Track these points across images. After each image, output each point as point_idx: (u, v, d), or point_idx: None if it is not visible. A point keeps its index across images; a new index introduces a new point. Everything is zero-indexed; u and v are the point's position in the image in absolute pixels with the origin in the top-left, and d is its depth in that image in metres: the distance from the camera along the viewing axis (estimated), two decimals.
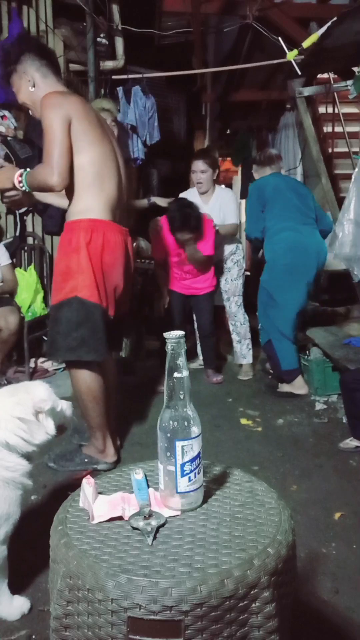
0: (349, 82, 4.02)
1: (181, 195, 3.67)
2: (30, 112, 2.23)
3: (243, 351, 3.76)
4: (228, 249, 3.69)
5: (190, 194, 3.63)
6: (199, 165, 3.51)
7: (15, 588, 1.51)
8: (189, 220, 3.20)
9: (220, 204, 3.60)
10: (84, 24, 4.16)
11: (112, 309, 2.16)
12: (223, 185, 3.97)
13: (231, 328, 3.78)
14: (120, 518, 0.95)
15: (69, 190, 2.09)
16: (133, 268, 2.34)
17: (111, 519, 0.95)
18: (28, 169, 2.10)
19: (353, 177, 3.39)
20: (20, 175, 2.07)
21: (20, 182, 2.08)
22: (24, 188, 2.09)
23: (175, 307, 3.56)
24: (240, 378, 3.70)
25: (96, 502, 0.98)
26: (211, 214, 3.45)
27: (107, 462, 2.26)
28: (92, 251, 2.05)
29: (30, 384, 1.43)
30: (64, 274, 2.09)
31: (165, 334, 0.96)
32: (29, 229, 4.06)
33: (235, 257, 3.73)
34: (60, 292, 2.10)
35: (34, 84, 2.10)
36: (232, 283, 3.72)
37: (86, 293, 2.05)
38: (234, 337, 3.77)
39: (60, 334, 2.08)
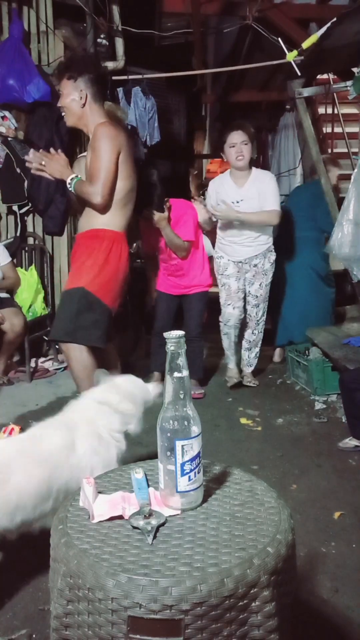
0: (349, 83, 4.02)
1: (213, 181, 3.46)
2: (63, 115, 2.59)
3: (251, 360, 3.53)
4: (265, 245, 3.25)
5: (222, 180, 3.29)
6: (239, 135, 3.10)
7: (16, 587, 1.52)
8: (150, 196, 3.03)
9: (258, 188, 3.17)
10: (84, 24, 4.16)
11: (115, 308, 2.53)
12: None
13: (246, 334, 3.47)
14: (120, 517, 0.95)
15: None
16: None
17: (111, 518, 0.95)
18: (79, 176, 2.46)
19: (352, 177, 3.39)
20: (71, 179, 2.44)
21: (69, 183, 2.45)
22: (70, 189, 2.47)
23: (163, 309, 3.38)
24: (246, 384, 3.48)
25: (96, 502, 0.98)
26: (247, 200, 3.13)
27: None
28: (111, 258, 2.44)
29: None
30: (80, 268, 2.44)
31: (165, 334, 0.96)
32: (30, 229, 4.07)
33: (272, 257, 3.30)
34: (73, 281, 2.45)
35: (84, 100, 2.44)
36: (265, 289, 3.33)
37: (94, 288, 2.39)
38: (244, 344, 3.50)
39: (63, 317, 2.43)
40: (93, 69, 2.52)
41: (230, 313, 3.29)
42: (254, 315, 3.40)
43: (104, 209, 2.43)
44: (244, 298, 3.35)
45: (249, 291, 3.35)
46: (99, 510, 0.96)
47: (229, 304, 3.31)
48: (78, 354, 2.39)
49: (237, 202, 3.15)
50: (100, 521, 0.95)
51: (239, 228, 3.20)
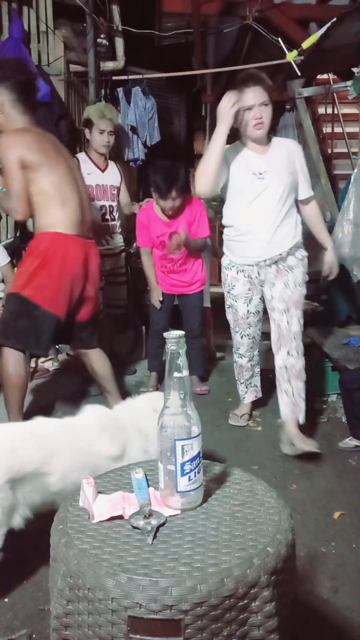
0: (349, 83, 4.03)
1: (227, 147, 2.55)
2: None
3: (296, 401, 2.38)
4: (294, 239, 2.46)
5: (238, 149, 2.45)
6: (257, 94, 2.29)
7: (16, 587, 1.52)
8: (175, 180, 2.99)
9: (288, 156, 2.43)
10: (84, 24, 4.16)
11: (62, 312, 2.39)
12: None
13: (278, 359, 2.43)
14: (120, 517, 0.95)
15: (36, 209, 2.37)
16: (98, 276, 2.61)
17: (111, 518, 0.95)
18: (3, 189, 2.36)
19: (352, 177, 3.40)
20: None
21: None
22: None
23: (162, 311, 3.34)
24: (295, 449, 2.36)
25: (96, 502, 0.98)
26: (273, 171, 2.37)
27: None
28: (49, 260, 2.34)
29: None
30: (20, 273, 2.42)
31: (165, 334, 0.96)
32: (30, 229, 4.06)
33: (300, 253, 2.51)
34: (13, 286, 2.43)
35: (1, 109, 2.35)
36: (295, 290, 2.43)
37: (30, 293, 2.32)
38: (280, 374, 2.41)
39: (2, 320, 2.42)
40: (17, 75, 2.41)
41: (238, 341, 2.67)
42: (285, 326, 2.43)
43: (33, 215, 2.38)
44: (260, 318, 2.64)
45: (272, 295, 2.48)
46: (99, 510, 0.96)
47: (236, 331, 2.66)
48: (11, 359, 2.33)
49: (261, 174, 2.37)
50: (100, 521, 0.95)
51: (260, 210, 2.40)
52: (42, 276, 2.34)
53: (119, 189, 3.53)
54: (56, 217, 2.37)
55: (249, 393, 2.81)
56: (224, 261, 2.61)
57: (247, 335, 2.63)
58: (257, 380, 2.81)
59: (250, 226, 2.43)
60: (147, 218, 3.25)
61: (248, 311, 2.57)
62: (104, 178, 3.43)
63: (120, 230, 3.51)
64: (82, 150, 3.76)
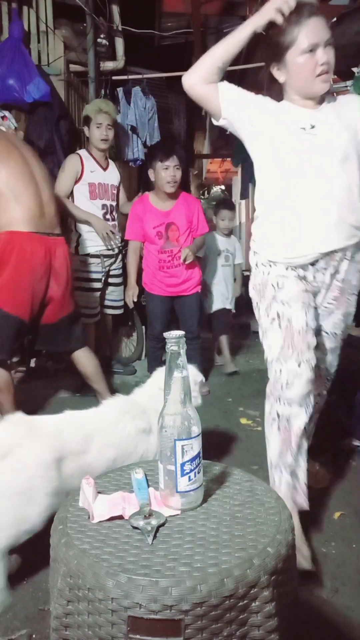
0: (349, 83, 4.03)
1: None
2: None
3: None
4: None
5: (273, 104, 1.71)
6: (320, 29, 1.54)
7: (16, 587, 1.52)
8: (175, 144, 3.03)
9: (347, 111, 1.65)
10: (84, 24, 4.16)
11: (24, 314, 2.35)
12: None
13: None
14: (120, 517, 0.95)
15: None
16: (67, 275, 2.52)
17: (111, 518, 0.95)
18: None
19: None
20: None
21: None
22: None
23: (157, 312, 3.25)
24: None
25: (96, 502, 0.98)
26: (325, 124, 1.59)
27: None
28: (5, 261, 2.30)
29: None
30: None
31: (165, 334, 0.96)
32: None
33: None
34: None
35: None
36: (348, 319, 1.83)
37: None
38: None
39: None
40: None
41: (293, 373, 1.59)
42: (325, 370, 1.89)
43: None
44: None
45: (322, 327, 1.79)
46: (99, 511, 0.96)
47: (289, 357, 1.61)
48: None
49: (313, 126, 1.61)
50: (100, 521, 0.95)
51: (316, 179, 1.61)
52: (1, 278, 2.30)
53: (118, 188, 3.53)
54: (10, 215, 2.32)
55: (298, 495, 1.66)
56: (255, 259, 1.73)
57: (307, 361, 1.59)
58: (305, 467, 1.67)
59: (304, 204, 1.61)
60: (142, 209, 3.17)
61: (307, 324, 1.62)
62: (105, 177, 3.43)
63: (119, 230, 3.51)
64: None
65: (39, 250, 2.36)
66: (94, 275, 3.39)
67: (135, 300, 3.26)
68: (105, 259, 3.40)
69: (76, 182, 3.31)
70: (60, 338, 2.57)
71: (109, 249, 3.40)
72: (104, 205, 3.40)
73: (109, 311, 3.58)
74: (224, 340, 3.90)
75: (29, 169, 2.42)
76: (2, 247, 2.32)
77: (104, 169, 3.44)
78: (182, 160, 3.14)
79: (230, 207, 4.08)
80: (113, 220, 3.45)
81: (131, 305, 3.31)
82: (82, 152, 3.43)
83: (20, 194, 2.33)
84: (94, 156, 3.40)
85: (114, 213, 3.47)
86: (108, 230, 3.31)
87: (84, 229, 3.34)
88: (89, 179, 3.34)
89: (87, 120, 3.38)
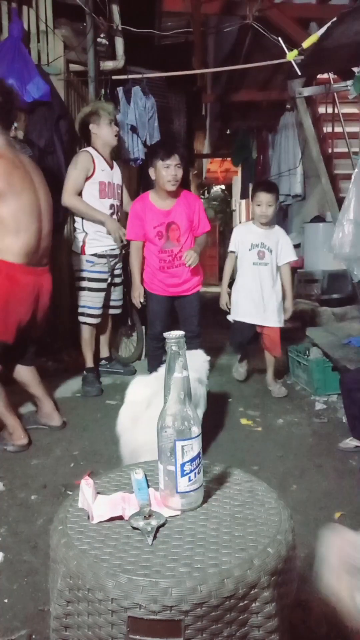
0: (349, 83, 4.03)
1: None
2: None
3: None
4: None
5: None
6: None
7: (16, 587, 1.52)
8: (176, 143, 3.02)
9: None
10: (84, 24, 4.16)
11: (10, 337, 2.45)
12: None
13: None
14: (120, 518, 0.95)
15: None
16: (48, 302, 2.64)
17: (111, 519, 0.95)
18: None
19: (353, 177, 3.39)
20: None
21: None
22: None
23: (158, 312, 3.23)
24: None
25: (96, 502, 0.98)
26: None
27: (14, 445, 2.50)
28: None
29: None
30: None
31: (165, 334, 0.96)
32: None
33: None
34: None
35: None
36: None
37: None
38: None
39: None
40: None
41: None
42: None
43: None
44: None
45: None
46: (99, 511, 0.96)
47: None
48: None
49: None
50: (100, 522, 0.94)
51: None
52: None
53: (122, 187, 3.52)
54: (7, 245, 2.38)
55: None
56: None
57: None
58: None
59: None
60: (142, 208, 3.14)
61: None
62: (113, 176, 3.42)
63: (123, 237, 3.42)
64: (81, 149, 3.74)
65: (30, 281, 2.47)
66: (101, 276, 3.36)
67: (142, 300, 3.22)
68: (111, 259, 3.38)
69: (87, 179, 3.28)
70: (30, 353, 2.69)
71: (113, 249, 3.38)
72: (111, 205, 3.38)
73: (110, 311, 3.57)
74: (268, 359, 3.38)
75: (38, 202, 2.49)
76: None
77: (111, 168, 3.43)
78: (183, 159, 3.14)
79: (270, 189, 3.26)
80: (118, 220, 3.44)
81: (139, 306, 3.27)
82: (91, 150, 3.37)
83: (23, 229, 2.40)
84: (102, 154, 3.37)
85: (119, 213, 3.46)
86: (122, 233, 3.30)
87: (91, 229, 3.30)
88: (100, 178, 3.32)
89: (96, 118, 3.33)
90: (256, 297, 3.24)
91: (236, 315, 3.33)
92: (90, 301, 3.33)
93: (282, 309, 3.27)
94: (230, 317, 3.36)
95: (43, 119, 3.75)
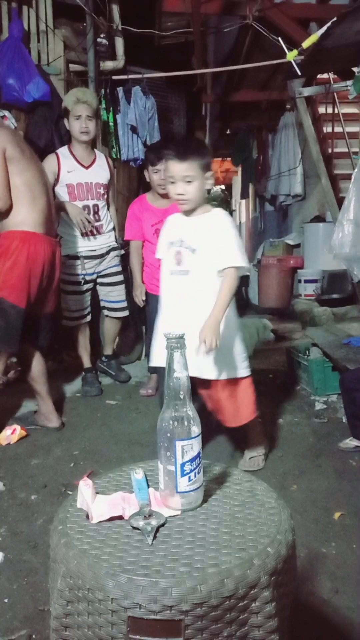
0: (349, 83, 4.03)
1: None
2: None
3: None
4: None
5: None
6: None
7: (16, 587, 1.52)
8: (167, 146, 2.96)
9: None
10: (84, 24, 4.16)
11: (23, 303, 2.49)
12: None
13: None
14: (120, 517, 0.95)
15: None
16: (59, 274, 2.72)
17: (111, 519, 0.95)
18: None
19: (353, 177, 3.39)
20: None
21: None
22: None
23: (156, 312, 3.25)
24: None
25: (95, 502, 0.98)
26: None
27: (48, 426, 2.70)
28: (19, 259, 2.43)
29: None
30: None
31: (165, 334, 0.96)
32: None
33: None
34: None
35: None
36: None
37: (5, 293, 2.43)
38: None
39: None
40: None
41: None
42: None
43: (7, 210, 2.43)
44: None
45: None
46: (98, 511, 0.96)
47: None
48: None
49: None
50: (100, 522, 0.94)
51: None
52: (14, 276, 2.43)
53: (106, 186, 3.29)
54: (25, 216, 2.45)
55: None
56: None
57: None
58: None
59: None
60: (139, 208, 3.13)
61: None
62: (88, 175, 3.19)
63: (109, 230, 3.33)
64: None
65: (48, 251, 2.54)
66: (73, 278, 3.22)
67: (144, 298, 3.17)
68: (86, 261, 3.23)
69: (55, 183, 3.10)
70: (43, 334, 2.72)
71: (93, 250, 3.24)
72: (85, 207, 3.17)
73: (112, 314, 3.41)
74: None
75: (43, 176, 2.59)
76: (16, 245, 2.44)
77: (87, 167, 3.21)
78: None
79: (185, 154, 1.90)
80: (99, 220, 3.25)
81: (141, 305, 3.22)
82: (62, 150, 3.20)
83: (38, 197, 2.48)
84: (74, 153, 3.18)
85: (100, 213, 3.25)
86: (83, 217, 3.13)
87: (64, 230, 3.19)
88: (67, 180, 3.13)
89: (66, 113, 3.14)
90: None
91: (152, 358, 2.23)
92: (65, 303, 3.24)
93: (236, 350, 2.10)
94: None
95: (43, 119, 3.75)
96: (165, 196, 3.12)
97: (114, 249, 3.35)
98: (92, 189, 3.20)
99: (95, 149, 3.41)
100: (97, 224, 3.24)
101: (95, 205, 3.23)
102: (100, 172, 3.26)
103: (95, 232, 3.23)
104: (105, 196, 3.29)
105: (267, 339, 3.82)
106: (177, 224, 2.08)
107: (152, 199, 3.16)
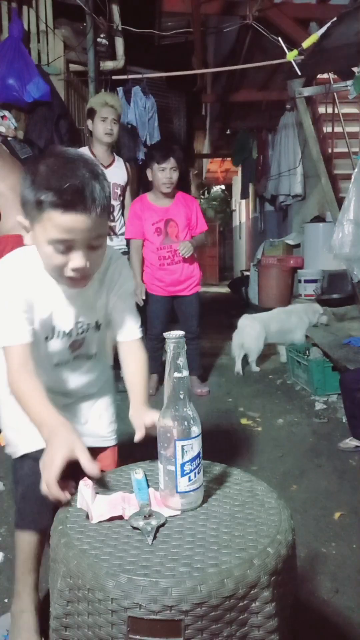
0: (349, 83, 4.03)
1: None
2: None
3: None
4: None
5: None
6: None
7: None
8: (172, 146, 2.98)
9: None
10: (84, 24, 4.16)
11: None
12: None
13: None
14: (120, 517, 0.95)
15: None
16: None
17: (112, 519, 0.95)
18: None
19: (353, 177, 3.39)
20: None
21: None
22: None
23: (158, 312, 3.26)
24: None
25: (95, 502, 0.98)
26: None
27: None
28: None
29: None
30: None
31: (165, 334, 0.96)
32: None
33: None
34: None
35: None
36: None
37: None
38: None
39: None
40: None
41: None
42: None
43: None
44: None
45: None
46: (98, 511, 0.96)
47: None
48: None
49: None
50: (100, 522, 0.94)
51: None
52: None
53: (123, 187, 3.36)
54: (16, 219, 2.45)
55: None
56: None
57: None
58: None
59: None
60: (141, 207, 3.18)
61: None
62: (107, 175, 3.32)
63: (123, 232, 3.36)
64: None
65: None
66: None
67: (144, 297, 3.21)
68: None
69: None
70: None
71: None
72: None
73: None
74: None
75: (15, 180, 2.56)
76: (9, 250, 2.41)
77: (106, 167, 3.29)
78: (180, 161, 3.14)
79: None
80: (113, 221, 3.31)
81: (141, 303, 3.23)
82: (84, 150, 3.27)
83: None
84: (95, 154, 3.27)
85: (115, 213, 3.33)
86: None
87: None
88: None
89: (91, 114, 3.24)
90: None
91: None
92: None
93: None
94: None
95: (43, 119, 3.75)
96: (167, 195, 3.14)
97: (124, 252, 3.39)
98: (111, 188, 3.24)
99: (114, 153, 3.46)
100: (111, 224, 3.28)
101: (112, 206, 3.29)
102: (118, 172, 3.32)
103: (110, 232, 3.26)
104: (122, 197, 3.35)
105: (320, 323, 3.96)
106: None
107: (153, 199, 3.18)
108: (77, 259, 1.12)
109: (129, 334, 1.41)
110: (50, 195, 1.05)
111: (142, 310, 3.41)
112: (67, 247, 1.11)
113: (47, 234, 1.10)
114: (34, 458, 1.23)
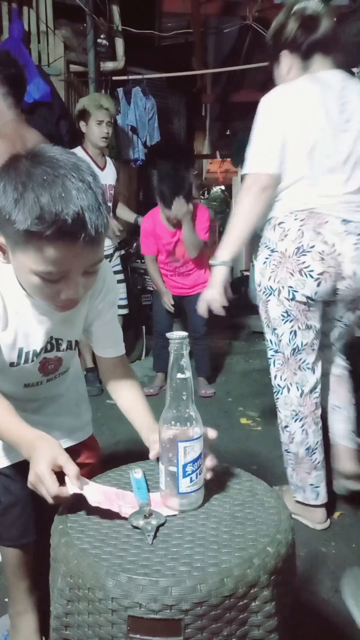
0: None
1: None
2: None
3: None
4: None
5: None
6: None
7: None
8: (181, 188, 2.98)
9: None
10: (84, 25, 4.17)
11: None
12: None
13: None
14: (117, 515, 0.95)
15: None
16: None
17: (109, 514, 0.95)
18: None
19: None
20: None
21: None
22: None
23: (164, 310, 3.37)
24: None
25: (86, 488, 0.96)
26: None
27: None
28: None
29: None
30: None
31: (168, 334, 0.96)
32: None
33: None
34: None
35: None
36: None
37: None
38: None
39: None
40: (7, 68, 2.41)
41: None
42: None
43: None
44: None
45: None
46: (93, 497, 0.95)
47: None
48: None
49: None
50: (100, 521, 0.94)
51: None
52: None
53: (115, 187, 3.43)
54: None
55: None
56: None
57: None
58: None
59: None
60: (153, 224, 3.23)
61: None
62: (103, 177, 3.33)
63: (116, 230, 3.40)
64: None
65: None
66: None
67: (173, 303, 3.31)
68: None
69: None
70: None
71: None
72: None
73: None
74: None
75: None
76: None
77: (102, 169, 3.34)
78: (189, 195, 3.09)
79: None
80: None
81: (171, 310, 3.35)
82: (78, 150, 3.27)
83: None
84: (91, 155, 3.28)
85: (110, 214, 3.41)
86: (112, 225, 3.25)
87: None
88: None
89: (85, 115, 3.24)
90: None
91: None
92: None
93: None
94: None
95: (43, 120, 3.75)
96: (176, 225, 3.19)
97: (117, 249, 3.44)
98: (106, 190, 3.33)
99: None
100: None
101: (108, 207, 3.28)
102: (111, 173, 3.39)
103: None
104: (113, 198, 3.43)
105: None
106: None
107: (164, 219, 3.22)
108: (71, 289, 0.97)
109: (113, 350, 1.30)
110: (44, 227, 0.86)
111: (142, 310, 3.44)
112: (59, 277, 0.95)
113: (35, 265, 0.93)
114: (4, 474, 1.22)
